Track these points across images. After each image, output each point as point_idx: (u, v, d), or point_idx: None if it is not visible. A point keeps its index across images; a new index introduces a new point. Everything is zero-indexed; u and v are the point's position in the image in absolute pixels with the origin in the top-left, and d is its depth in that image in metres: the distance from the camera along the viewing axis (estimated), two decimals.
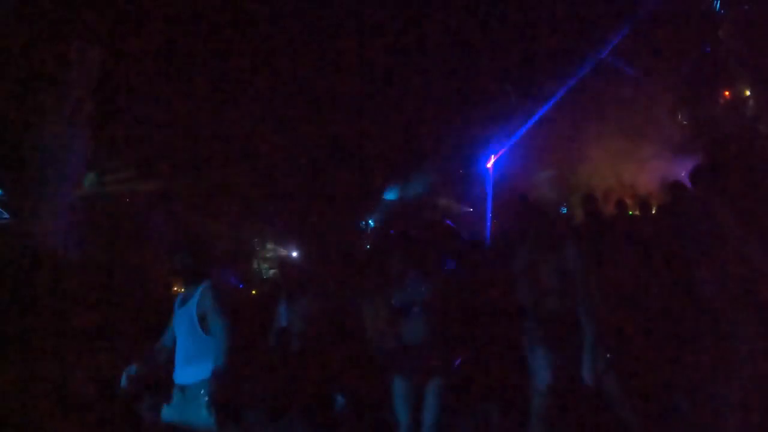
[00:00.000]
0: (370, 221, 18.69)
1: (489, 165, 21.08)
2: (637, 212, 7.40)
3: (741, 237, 3.37)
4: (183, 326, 3.37)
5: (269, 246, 17.36)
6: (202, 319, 3.28)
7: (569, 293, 3.43)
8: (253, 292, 12.64)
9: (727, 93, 15.23)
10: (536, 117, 16.73)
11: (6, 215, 11.62)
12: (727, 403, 3.30)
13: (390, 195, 20.16)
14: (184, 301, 3.46)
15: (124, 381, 3.47)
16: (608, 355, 3.38)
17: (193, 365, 3.29)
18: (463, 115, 18.44)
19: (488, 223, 16.87)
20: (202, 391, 3.10)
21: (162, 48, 13.34)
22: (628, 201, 8.04)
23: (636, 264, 4.76)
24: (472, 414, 3.97)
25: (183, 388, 3.30)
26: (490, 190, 19.14)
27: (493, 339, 3.98)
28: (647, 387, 3.77)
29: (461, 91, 18.04)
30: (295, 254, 16.23)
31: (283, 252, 17.14)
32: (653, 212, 6.36)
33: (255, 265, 16.70)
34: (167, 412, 3.36)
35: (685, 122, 16.06)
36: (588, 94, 15.43)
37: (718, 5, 14.06)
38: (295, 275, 6.20)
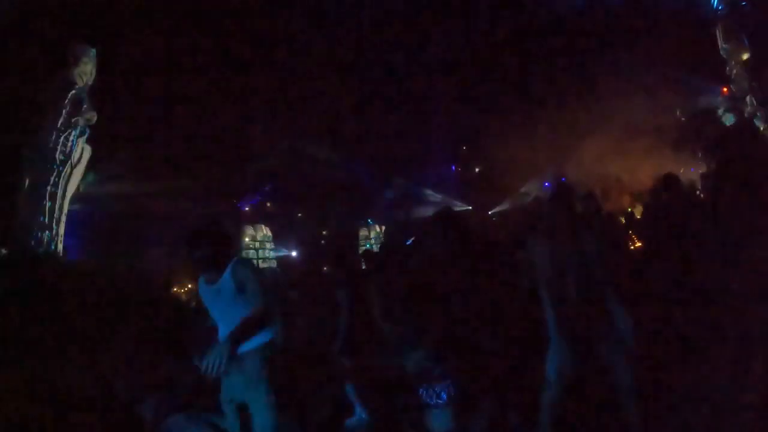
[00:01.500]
0: (369, 220, 18.70)
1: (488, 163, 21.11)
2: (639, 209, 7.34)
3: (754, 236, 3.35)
4: (223, 299, 3.56)
5: (269, 246, 17.35)
6: (242, 286, 3.49)
7: (588, 280, 3.36)
8: None
9: (725, 90, 15.23)
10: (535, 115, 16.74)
11: None
12: (739, 401, 3.26)
13: (389, 194, 20.20)
14: (217, 281, 3.57)
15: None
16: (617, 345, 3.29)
17: None
18: (462, 113, 18.46)
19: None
20: (259, 355, 3.40)
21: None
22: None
23: (649, 259, 4.71)
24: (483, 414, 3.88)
25: (240, 356, 3.41)
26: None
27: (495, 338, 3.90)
28: (657, 382, 3.73)
29: (458, 89, 18.07)
30: (294, 254, 16.24)
31: (282, 252, 17.15)
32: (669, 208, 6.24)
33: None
34: (231, 381, 3.44)
35: (683, 119, 16.08)
36: (587, 91, 15.43)
37: (716, 4, 14.06)
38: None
